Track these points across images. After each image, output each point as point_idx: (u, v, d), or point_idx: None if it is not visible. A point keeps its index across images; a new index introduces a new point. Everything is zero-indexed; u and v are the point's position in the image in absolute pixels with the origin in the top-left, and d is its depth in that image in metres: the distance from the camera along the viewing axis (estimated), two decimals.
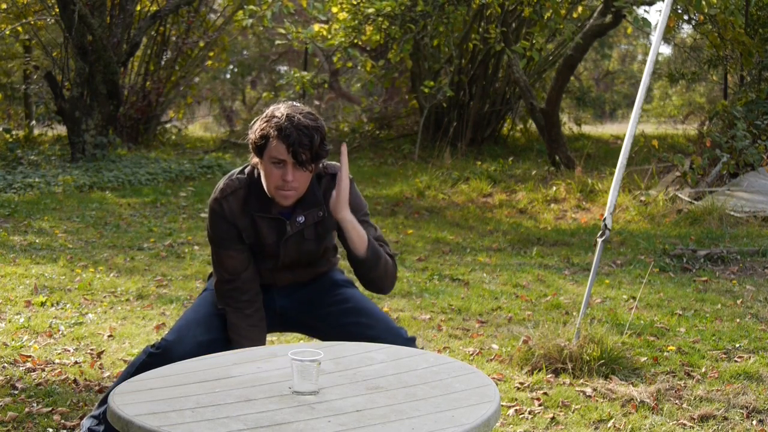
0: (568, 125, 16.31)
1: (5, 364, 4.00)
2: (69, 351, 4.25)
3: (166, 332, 2.98)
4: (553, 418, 3.53)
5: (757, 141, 9.58)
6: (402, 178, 10.98)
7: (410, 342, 2.88)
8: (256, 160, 2.84)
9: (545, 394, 3.81)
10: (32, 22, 13.55)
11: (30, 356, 4.11)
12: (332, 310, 3.02)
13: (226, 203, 2.88)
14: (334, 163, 2.97)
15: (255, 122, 2.81)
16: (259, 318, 2.94)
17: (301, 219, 2.88)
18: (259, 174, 2.87)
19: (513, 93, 14.06)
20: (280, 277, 3.03)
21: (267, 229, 2.89)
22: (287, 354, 2.25)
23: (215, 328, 2.95)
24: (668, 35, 14.70)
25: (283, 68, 21.66)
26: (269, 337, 4.53)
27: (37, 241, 6.95)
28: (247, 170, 2.92)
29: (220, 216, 2.90)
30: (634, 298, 5.51)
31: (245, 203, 2.88)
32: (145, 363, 2.84)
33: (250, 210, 2.88)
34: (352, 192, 2.90)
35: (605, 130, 19.62)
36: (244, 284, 2.93)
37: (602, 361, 4.05)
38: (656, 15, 49.07)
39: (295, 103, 2.83)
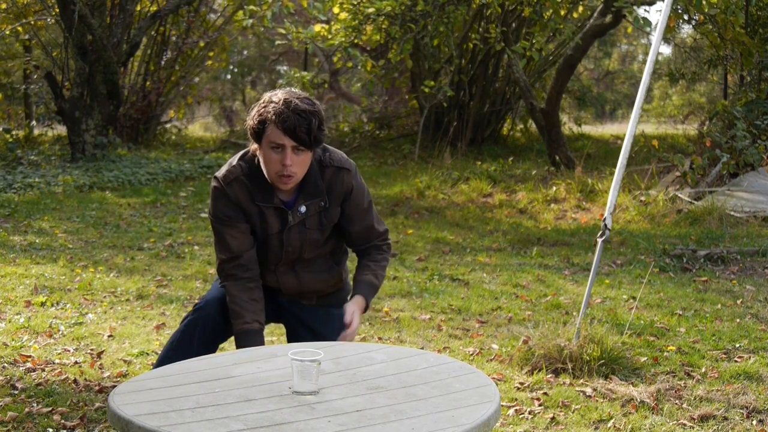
0: (568, 125, 16.30)
1: (5, 364, 4.00)
2: (69, 351, 4.25)
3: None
4: (553, 418, 3.53)
5: (757, 141, 9.58)
6: (402, 178, 10.98)
7: None
8: (255, 146, 2.88)
9: (545, 394, 3.80)
10: (32, 22, 13.54)
11: (30, 356, 4.11)
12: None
13: (230, 189, 2.92)
14: (339, 152, 3.01)
15: (253, 108, 2.85)
16: (259, 294, 2.95)
17: (302, 209, 2.93)
18: (258, 161, 2.91)
19: (513, 93, 14.05)
20: (285, 282, 3.04)
21: (272, 218, 2.93)
22: (287, 354, 2.25)
23: None
24: (668, 35, 14.69)
25: (283, 68, 21.65)
26: (269, 338, 4.53)
27: (37, 241, 6.95)
28: (246, 157, 2.95)
29: (225, 197, 2.93)
30: (634, 298, 5.51)
31: (249, 192, 2.91)
32: (192, 321, 2.94)
33: (254, 199, 2.91)
34: (356, 184, 2.98)
35: (605, 130, 19.62)
36: (247, 262, 2.94)
37: (602, 361, 4.05)
38: (656, 15, 49.07)
39: (292, 88, 2.88)
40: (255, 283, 2.95)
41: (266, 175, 2.87)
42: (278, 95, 2.81)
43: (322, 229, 2.97)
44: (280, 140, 2.76)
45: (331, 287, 3.10)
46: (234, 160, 2.95)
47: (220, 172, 2.95)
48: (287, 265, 3.02)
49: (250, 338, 2.87)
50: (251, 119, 2.83)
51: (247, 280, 2.94)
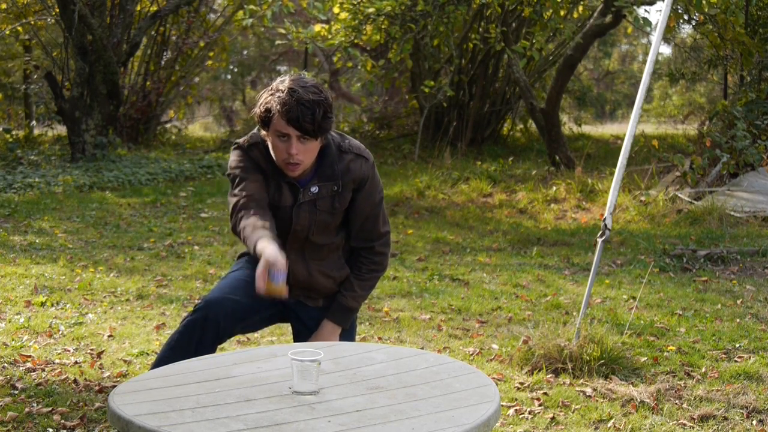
0: (568, 125, 16.30)
1: (5, 364, 4.00)
2: (69, 351, 4.25)
3: (206, 294, 3.02)
4: (553, 418, 3.53)
5: (757, 141, 9.58)
6: (402, 178, 10.97)
7: None
8: (264, 132, 2.90)
9: (545, 394, 3.81)
10: (32, 22, 13.55)
11: (30, 356, 4.11)
12: None
13: (251, 152, 2.95)
14: (358, 144, 3.02)
15: (261, 95, 2.87)
16: (271, 224, 2.82)
17: (314, 189, 2.94)
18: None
19: (513, 93, 14.05)
20: (296, 271, 2.99)
21: (285, 191, 2.95)
22: (287, 354, 2.25)
23: (250, 295, 2.91)
24: (668, 35, 14.70)
25: (283, 68, 21.66)
26: (269, 337, 4.54)
27: (37, 241, 6.95)
28: (262, 134, 2.97)
29: (246, 156, 2.94)
30: (634, 298, 5.51)
31: (267, 158, 2.93)
32: (191, 321, 2.89)
33: (272, 167, 2.93)
34: (372, 175, 2.98)
35: (605, 130, 19.62)
36: (259, 201, 2.87)
37: (602, 361, 4.05)
38: (656, 15, 49.04)
39: (301, 75, 2.88)
40: (268, 218, 2.83)
41: (275, 161, 2.89)
42: (285, 83, 2.82)
43: (333, 213, 2.97)
44: (285, 130, 2.79)
45: (338, 287, 3.09)
46: (255, 129, 2.99)
47: (242, 138, 2.99)
48: (297, 251, 3.01)
49: (263, 240, 2.69)
50: (258, 107, 2.85)
51: (260, 216, 2.82)
